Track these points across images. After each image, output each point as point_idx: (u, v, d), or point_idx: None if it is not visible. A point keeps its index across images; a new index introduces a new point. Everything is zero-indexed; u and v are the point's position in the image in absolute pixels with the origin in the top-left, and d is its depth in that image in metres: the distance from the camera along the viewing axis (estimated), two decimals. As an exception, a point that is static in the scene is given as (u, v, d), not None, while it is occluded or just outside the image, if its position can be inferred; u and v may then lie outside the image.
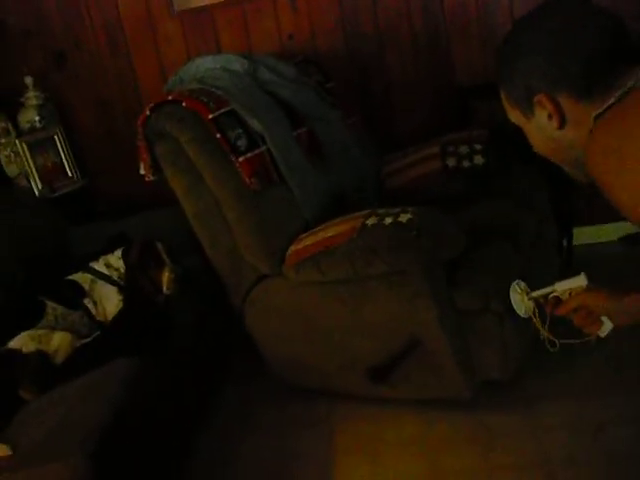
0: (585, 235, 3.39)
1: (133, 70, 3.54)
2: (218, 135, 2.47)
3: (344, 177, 2.85)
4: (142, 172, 2.65)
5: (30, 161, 3.29)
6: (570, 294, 1.48)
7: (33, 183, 3.29)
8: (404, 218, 2.21)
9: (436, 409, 2.44)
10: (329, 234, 2.34)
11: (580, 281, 1.48)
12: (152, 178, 2.63)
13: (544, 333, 1.57)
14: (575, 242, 3.26)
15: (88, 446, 1.92)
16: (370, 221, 2.26)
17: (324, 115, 2.90)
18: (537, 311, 1.57)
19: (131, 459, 2.09)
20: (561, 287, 1.50)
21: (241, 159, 2.48)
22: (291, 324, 2.50)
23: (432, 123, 3.38)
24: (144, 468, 2.15)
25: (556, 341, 1.58)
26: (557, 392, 2.43)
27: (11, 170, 3.30)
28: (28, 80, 3.33)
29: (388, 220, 2.23)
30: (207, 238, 2.55)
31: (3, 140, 3.28)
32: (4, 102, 3.34)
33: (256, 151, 2.55)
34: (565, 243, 3.22)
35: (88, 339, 2.49)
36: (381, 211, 2.32)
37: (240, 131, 2.54)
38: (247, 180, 2.46)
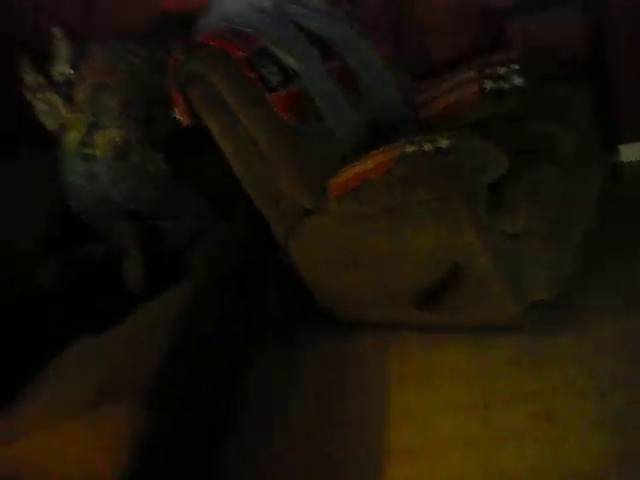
0: (632, 152, 3.31)
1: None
2: (251, 73, 2.46)
3: (380, 107, 2.81)
4: (178, 117, 2.66)
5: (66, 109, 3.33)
6: None
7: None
8: (443, 143, 2.18)
9: (486, 334, 2.44)
10: (369, 165, 2.32)
11: None
12: (188, 122, 2.64)
13: None
14: (622, 159, 3.19)
15: (144, 388, 1.99)
16: (408, 149, 2.24)
17: (355, 45, 2.85)
18: None
19: (185, 397, 2.15)
20: None
21: (276, 95, 2.46)
22: (336, 258, 2.52)
23: (466, 48, 3.30)
24: (198, 405, 2.21)
25: None
26: (609, 310, 2.41)
27: (50, 123, 3.34)
28: (57, 31, 3.31)
29: (427, 146, 2.20)
30: (247, 177, 2.56)
31: (39, 95, 3.30)
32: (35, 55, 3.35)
33: (290, 87, 2.53)
34: (611, 161, 3.15)
35: None
36: (419, 138, 2.29)
37: (273, 68, 2.52)
38: (283, 115, 2.45)
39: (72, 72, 3.18)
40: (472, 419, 2.15)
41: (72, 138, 2.84)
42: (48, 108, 3.04)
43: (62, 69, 3.31)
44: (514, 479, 1.93)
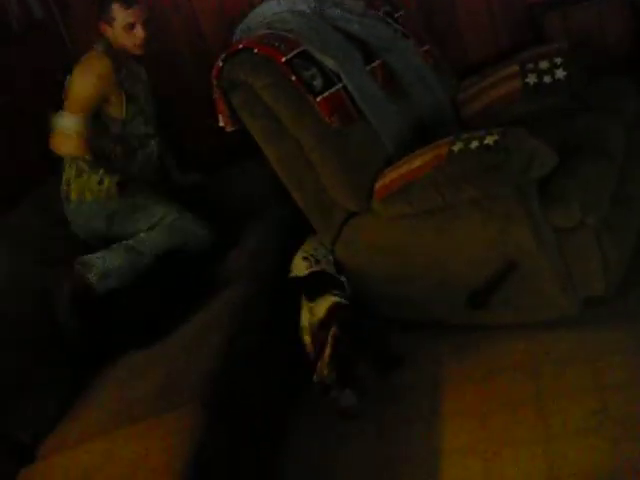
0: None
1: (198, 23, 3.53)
2: (293, 77, 2.47)
3: (423, 107, 2.80)
4: (221, 124, 2.68)
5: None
6: None
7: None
8: (490, 140, 2.16)
9: (541, 332, 2.41)
10: (414, 165, 2.31)
11: None
12: (232, 129, 2.66)
13: None
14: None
15: (202, 392, 2.00)
16: (456, 147, 2.22)
17: (396, 46, 2.83)
18: None
19: (241, 401, 2.16)
20: None
21: (319, 99, 2.48)
22: (385, 259, 2.51)
23: (506, 45, 3.28)
24: (254, 408, 2.23)
25: None
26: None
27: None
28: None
29: (474, 144, 2.19)
30: (293, 182, 2.57)
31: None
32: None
33: (333, 89, 2.53)
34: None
35: None
36: (465, 136, 2.27)
37: (315, 71, 2.53)
38: (327, 119, 2.46)
39: None
40: (528, 416, 2.13)
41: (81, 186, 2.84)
42: None
43: None
44: (576, 475, 1.89)
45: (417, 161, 2.32)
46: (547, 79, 2.75)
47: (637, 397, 2.05)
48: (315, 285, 2.47)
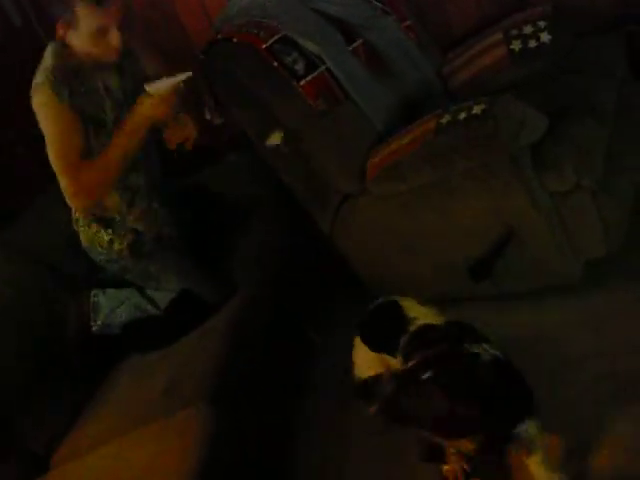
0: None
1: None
2: (275, 63, 2.45)
3: (410, 83, 2.77)
4: (207, 117, 2.66)
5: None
6: None
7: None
8: (478, 109, 2.14)
9: (544, 297, 2.39)
10: (404, 142, 2.30)
11: None
12: (219, 121, 2.63)
13: None
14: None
15: (210, 389, 2.00)
16: (444, 120, 2.20)
17: (377, 23, 2.79)
18: None
19: (249, 396, 2.16)
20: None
21: (302, 83, 2.45)
22: (383, 239, 2.49)
23: (490, 13, 3.23)
24: (261, 404, 2.22)
25: None
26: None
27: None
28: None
29: (462, 115, 2.16)
30: (284, 169, 2.56)
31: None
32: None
33: (316, 72, 2.50)
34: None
35: None
36: (453, 108, 2.25)
37: (296, 55, 2.50)
38: (313, 102, 2.43)
39: None
40: (539, 385, 2.11)
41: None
42: None
43: None
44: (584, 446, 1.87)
45: (407, 137, 2.30)
46: (532, 44, 2.72)
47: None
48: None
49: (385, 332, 1.88)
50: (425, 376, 1.42)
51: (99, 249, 2.43)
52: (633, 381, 1.97)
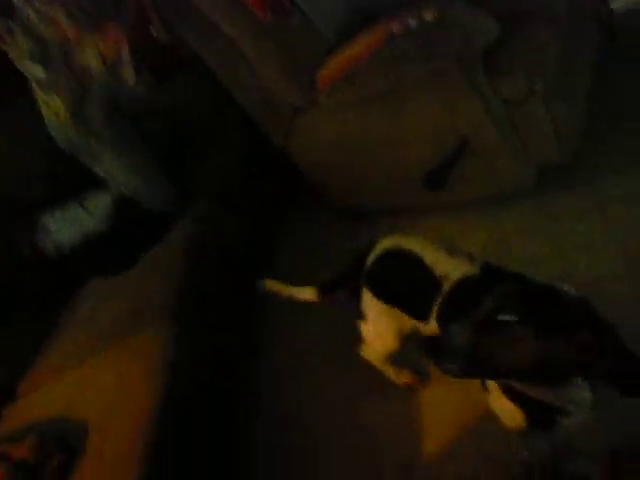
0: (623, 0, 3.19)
1: None
2: (220, -25, 2.36)
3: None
4: (155, 34, 2.58)
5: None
6: None
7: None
8: (429, 16, 2.10)
9: (500, 205, 2.42)
10: (355, 51, 2.26)
11: None
12: (166, 39, 2.56)
13: None
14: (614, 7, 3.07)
15: (171, 308, 2.01)
16: (395, 27, 2.17)
17: None
18: None
19: (212, 312, 2.17)
20: None
21: (251, -5, 2.37)
22: (338, 150, 2.48)
23: None
24: (222, 322, 2.24)
25: None
26: (619, 165, 2.34)
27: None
28: None
29: (413, 22, 2.13)
30: (235, 86, 2.50)
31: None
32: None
33: (263, -16, 2.43)
34: (604, 11, 3.03)
35: None
36: (404, 14, 2.21)
37: (241, -35, 2.41)
38: (261, 15, 2.36)
39: None
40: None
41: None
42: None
43: None
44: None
45: (357, 46, 2.27)
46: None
47: (598, 259, 2.08)
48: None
49: (399, 284, 1.68)
50: (510, 318, 1.20)
51: (52, 120, 2.42)
52: (587, 283, 1.99)
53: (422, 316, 1.57)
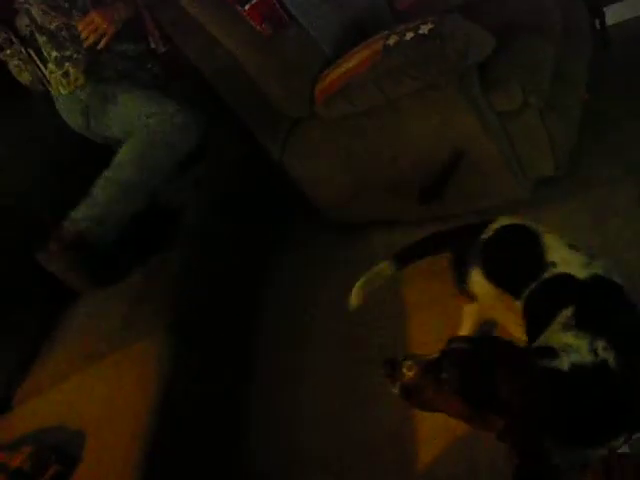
0: (616, 14, 3.22)
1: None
2: (218, -12, 2.38)
3: (357, 5, 2.72)
4: (153, 46, 2.59)
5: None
6: None
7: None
8: (425, 29, 2.11)
9: (495, 216, 2.38)
10: (352, 64, 2.26)
11: None
12: (164, 49, 2.58)
13: None
14: (609, 22, 3.11)
15: (166, 318, 2.01)
16: (391, 41, 2.17)
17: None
18: None
19: (206, 322, 2.18)
20: None
21: (247, 7, 2.38)
22: (334, 162, 2.49)
23: None
24: (217, 331, 2.24)
25: None
26: (615, 175, 2.35)
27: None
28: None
29: (409, 35, 2.14)
30: (232, 97, 2.51)
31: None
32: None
33: (260, -4, 2.45)
34: (598, 25, 3.07)
35: None
36: (400, 28, 2.22)
37: (240, -22, 2.43)
38: (258, 27, 2.38)
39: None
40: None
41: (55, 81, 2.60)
42: (20, 63, 2.90)
43: (25, 21, 3.15)
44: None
45: (354, 59, 2.27)
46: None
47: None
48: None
49: (514, 272, 1.58)
50: (444, 376, 1.25)
51: (63, 92, 2.52)
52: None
53: (515, 293, 1.53)
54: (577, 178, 2.39)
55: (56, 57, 2.50)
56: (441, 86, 2.12)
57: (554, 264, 1.48)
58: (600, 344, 1.26)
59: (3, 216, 2.47)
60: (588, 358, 1.25)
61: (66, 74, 2.51)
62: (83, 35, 2.43)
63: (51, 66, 2.54)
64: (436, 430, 1.90)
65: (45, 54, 2.54)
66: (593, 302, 1.39)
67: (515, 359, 1.25)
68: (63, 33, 2.48)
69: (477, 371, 1.23)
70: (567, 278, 1.44)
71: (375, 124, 2.30)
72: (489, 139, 2.18)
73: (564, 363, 1.24)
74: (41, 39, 2.53)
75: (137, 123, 2.40)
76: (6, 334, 2.32)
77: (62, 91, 2.54)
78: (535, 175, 2.33)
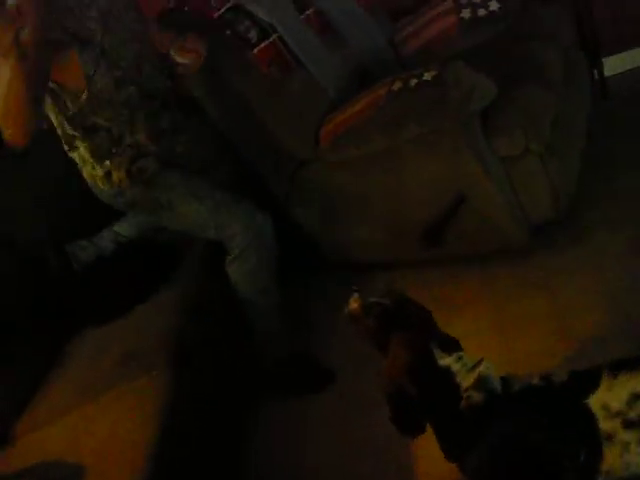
0: (615, 65, 3.30)
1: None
2: (228, 32, 2.44)
3: (362, 51, 2.80)
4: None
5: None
6: None
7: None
8: (429, 76, 2.17)
9: (495, 261, 2.45)
10: (357, 108, 2.32)
11: None
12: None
13: None
14: (606, 74, 3.18)
15: (167, 355, 2.01)
16: (395, 86, 2.23)
17: (328, -8, 2.82)
18: None
19: (208, 359, 2.19)
20: None
21: (255, 51, 2.45)
22: (337, 204, 2.53)
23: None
24: (219, 367, 2.25)
25: None
26: (614, 221, 2.38)
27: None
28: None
29: (413, 81, 2.20)
30: (239, 137, 2.55)
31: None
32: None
33: (268, 41, 2.52)
34: (597, 75, 3.14)
35: None
36: (404, 75, 2.28)
37: (248, 24, 2.51)
38: (265, 70, 2.44)
39: None
40: (492, 344, 2.17)
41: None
42: None
43: None
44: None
45: (359, 104, 2.33)
46: (481, 12, 2.77)
47: (591, 318, 2.09)
48: None
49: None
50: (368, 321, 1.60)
51: (103, 186, 2.22)
52: (583, 340, 2.03)
53: None
54: (577, 223, 2.42)
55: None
56: (444, 132, 2.16)
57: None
58: None
59: (2, 248, 2.49)
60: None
61: (108, 174, 2.20)
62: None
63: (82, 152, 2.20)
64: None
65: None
66: None
67: (416, 327, 1.56)
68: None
69: (385, 323, 1.56)
70: None
71: (379, 167, 2.34)
72: (490, 184, 2.22)
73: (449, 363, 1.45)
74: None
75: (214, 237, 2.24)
76: (7, 368, 2.31)
77: (101, 186, 2.24)
78: (535, 219, 2.36)
